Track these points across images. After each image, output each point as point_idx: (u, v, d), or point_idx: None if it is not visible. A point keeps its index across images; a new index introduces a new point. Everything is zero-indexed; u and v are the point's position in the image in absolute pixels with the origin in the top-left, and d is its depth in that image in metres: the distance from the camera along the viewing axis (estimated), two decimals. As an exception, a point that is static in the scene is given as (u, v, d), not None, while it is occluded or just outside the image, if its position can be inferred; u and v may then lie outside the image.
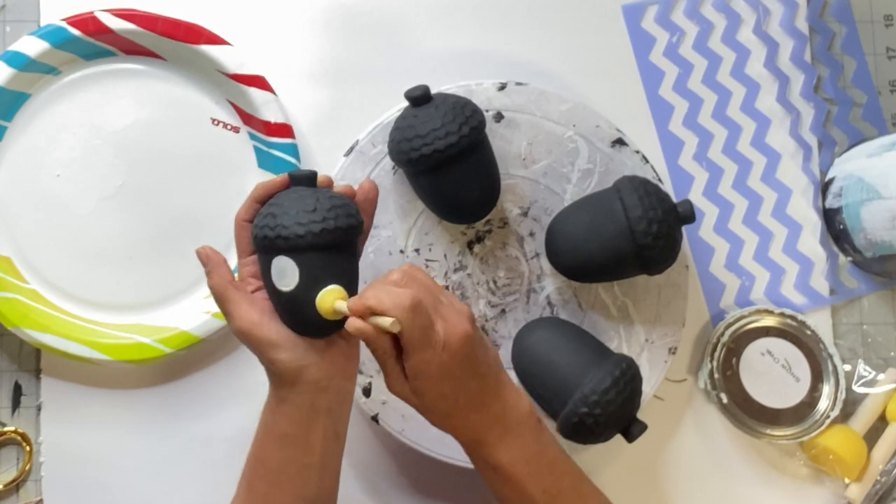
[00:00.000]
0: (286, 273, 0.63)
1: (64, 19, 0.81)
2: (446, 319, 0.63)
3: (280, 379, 0.64)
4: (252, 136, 0.84)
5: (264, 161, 0.83)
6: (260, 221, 0.64)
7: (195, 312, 0.81)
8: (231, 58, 0.82)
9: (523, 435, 0.66)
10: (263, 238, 0.63)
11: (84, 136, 0.83)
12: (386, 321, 0.60)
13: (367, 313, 0.61)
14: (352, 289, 0.65)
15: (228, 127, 0.84)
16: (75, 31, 0.81)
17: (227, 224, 0.82)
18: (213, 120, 0.84)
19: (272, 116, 0.82)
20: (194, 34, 0.82)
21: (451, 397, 0.64)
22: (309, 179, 0.65)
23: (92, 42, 0.81)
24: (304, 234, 0.62)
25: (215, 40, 0.82)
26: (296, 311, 0.63)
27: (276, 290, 0.63)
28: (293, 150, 0.83)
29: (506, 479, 0.66)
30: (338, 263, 0.64)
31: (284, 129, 0.82)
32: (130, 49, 0.83)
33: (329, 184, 0.67)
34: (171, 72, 0.84)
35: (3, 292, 0.79)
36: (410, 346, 0.61)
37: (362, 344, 0.64)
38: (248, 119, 0.83)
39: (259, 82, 0.82)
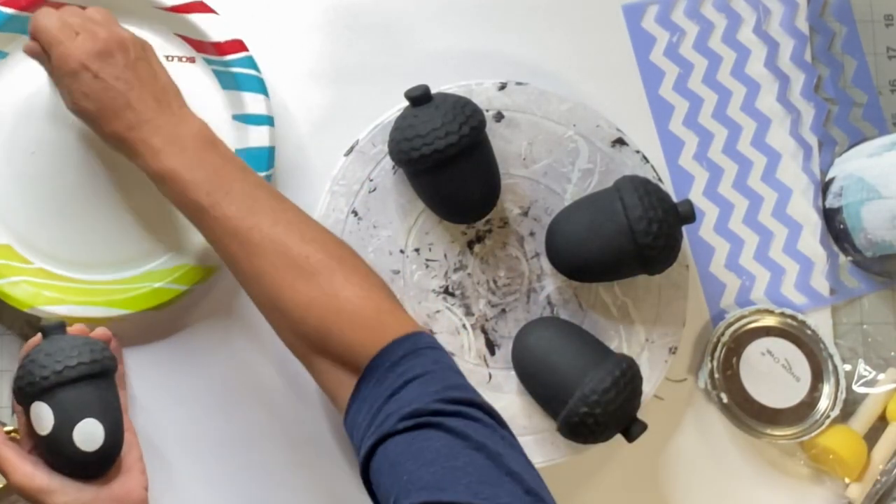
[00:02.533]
0: (42, 416, 0.68)
1: None
2: (91, 31, 0.70)
3: None
4: (208, 62, 0.84)
5: (226, 81, 0.83)
6: (15, 377, 0.69)
7: (201, 245, 0.81)
8: None
9: (188, 147, 0.70)
10: (18, 390, 0.69)
11: (48, 108, 0.82)
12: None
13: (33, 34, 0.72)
14: (112, 419, 0.70)
15: (183, 59, 0.83)
16: (8, 10, 0.80)
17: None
18: (168, 57, 0.83)
19: (220, 36, 0.82)
20: None
21: (95, 95, 0.69)
22: (59, 328, 0.71)
23: (28, 16, 0.80)
24: (48, 375, 0.67)
25: None
26: (58, 451, 0.68)
27: (39, 437, 0.68)
28: (251, 63, 0.82)
29: (170, 183, 0.69)
30: (92, 396, 0.69)
31: (236, 45, 0.82)
32: None
33: (82, 331, 0.73)
34: None
35: (11, 277, 0.79)
36: (47, 43, 0.70)
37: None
38: (200, 46, 0.83)
39: (198, 7, 0.82)
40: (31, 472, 0.68)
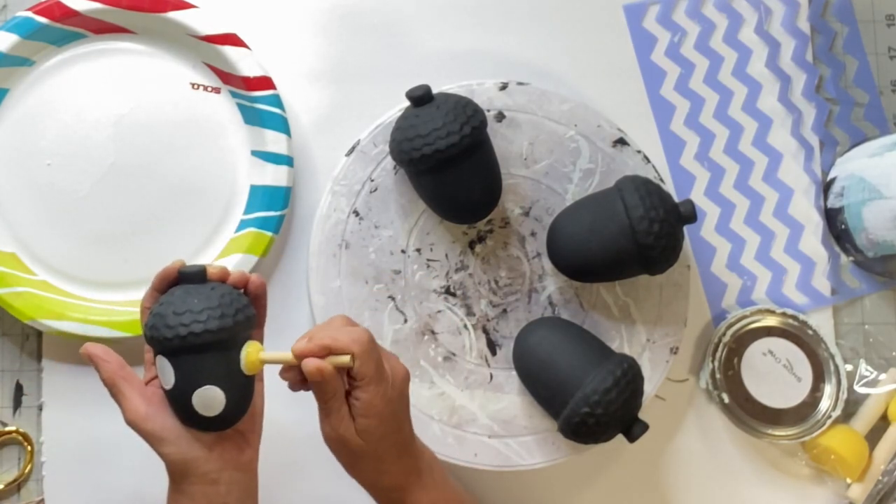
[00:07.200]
0: (165, 372, 0.64)
1: (29, 9, 0.81)
2: (388, 359, 0.65)
3: (171, 472, 0.66)
4: (234, 94, 0.84)
5: (249, 117, 0.83)
6: (146, 319, 0.65)
7: None
8: (200, 20, 0.82)
9: (434, 477, 0.68)
10: (146, 336, 0.64)
11: (68, 121, 0.82)
12: (343, 358, 0.61)
13: (325, 352, 0.61)
14: (237, 385, 0.64)
15: (209, 89, 0.84)
16: (43, 20, 0.81)
17: (221, 186, 0.84)
18: (193, 84, 0.84)
19: (250, 71, 0.82)
20: (160, 3, 0.82)
21: (390, 439, 0.64)
22: (197, 276, 0.65)
23: (61, 27, 0.81)
24: (172, 338, 0.62)
25: (181, 5, 0.82)
26: (177, 407, 0.65)
27: (162, 386, 0.65)
28: (276, 102, 0.82)
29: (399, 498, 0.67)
30: (216, 364, 0.64)
31: (264, 82, 0.82)
32: (100, 28, 0.83)
33: (222, 276, 0.66)
34: (143, 44, 0.84)
35: (14, 287, 0.79)
36: (366, 381, 0.62)
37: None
38: (227, 78, 0.83)
39: (232, 39, 0.82)
40: (143, 415, 0.64)
